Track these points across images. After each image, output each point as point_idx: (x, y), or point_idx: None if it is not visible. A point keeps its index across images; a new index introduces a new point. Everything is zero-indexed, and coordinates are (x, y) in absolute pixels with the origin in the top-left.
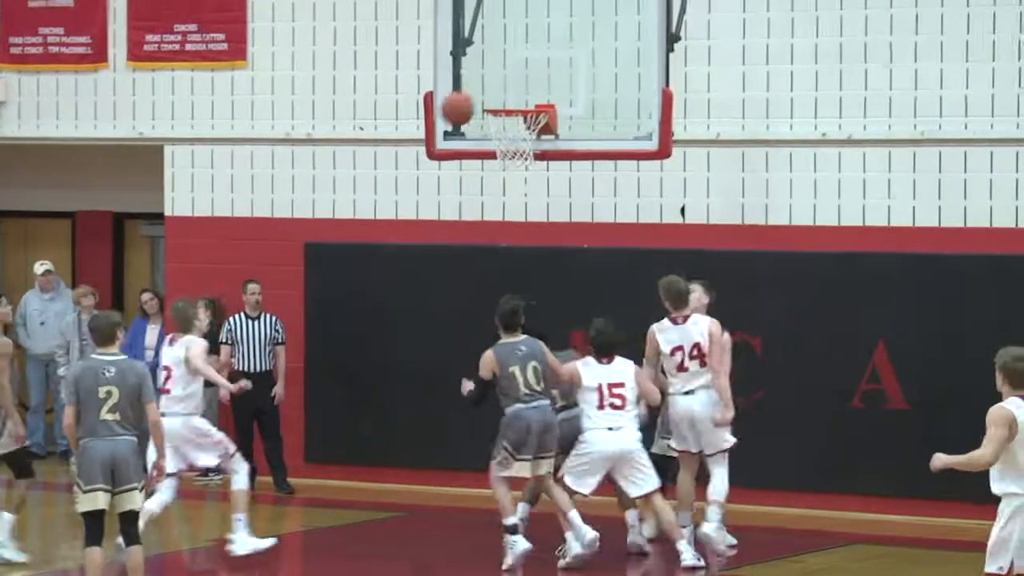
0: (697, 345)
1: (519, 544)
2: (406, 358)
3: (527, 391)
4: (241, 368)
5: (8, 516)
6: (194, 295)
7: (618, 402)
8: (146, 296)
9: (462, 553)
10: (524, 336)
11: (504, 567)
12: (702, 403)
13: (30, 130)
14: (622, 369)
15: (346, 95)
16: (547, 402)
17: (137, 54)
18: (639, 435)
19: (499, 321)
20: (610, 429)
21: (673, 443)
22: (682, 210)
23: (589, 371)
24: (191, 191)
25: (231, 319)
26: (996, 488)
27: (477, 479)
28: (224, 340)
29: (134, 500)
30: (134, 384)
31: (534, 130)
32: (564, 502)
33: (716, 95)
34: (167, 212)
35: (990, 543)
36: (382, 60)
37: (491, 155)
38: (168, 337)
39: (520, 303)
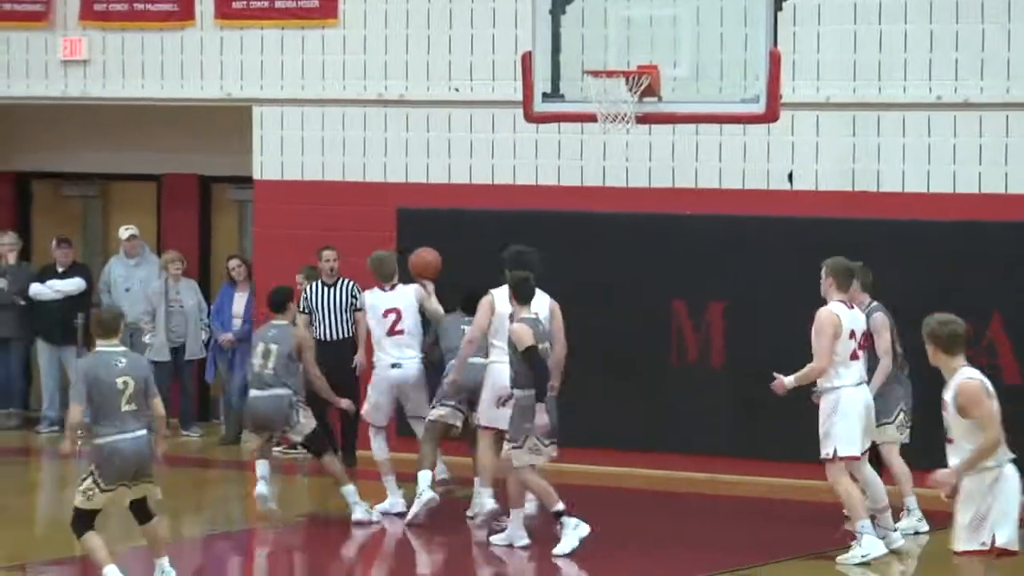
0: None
1: (581, 526)
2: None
3: None
4: (320, 336)
5: None
6: (283, 262)
7: None
8: (233, 262)
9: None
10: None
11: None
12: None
13: (115, 90)
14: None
15: (441, 55)
16: None
17: (225, 12)
18: None
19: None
20: None
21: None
22: (790, 176)
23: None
24: (280, 154)
25: (308, 287)
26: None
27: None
28: (302, 308)
29: (150, 491)
30: (144, 375)
31: (636, 92)
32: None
33: (826, 56)
34: (255, 176)
35: (966, 520)
36: (478, 18)
37: (591, 118)
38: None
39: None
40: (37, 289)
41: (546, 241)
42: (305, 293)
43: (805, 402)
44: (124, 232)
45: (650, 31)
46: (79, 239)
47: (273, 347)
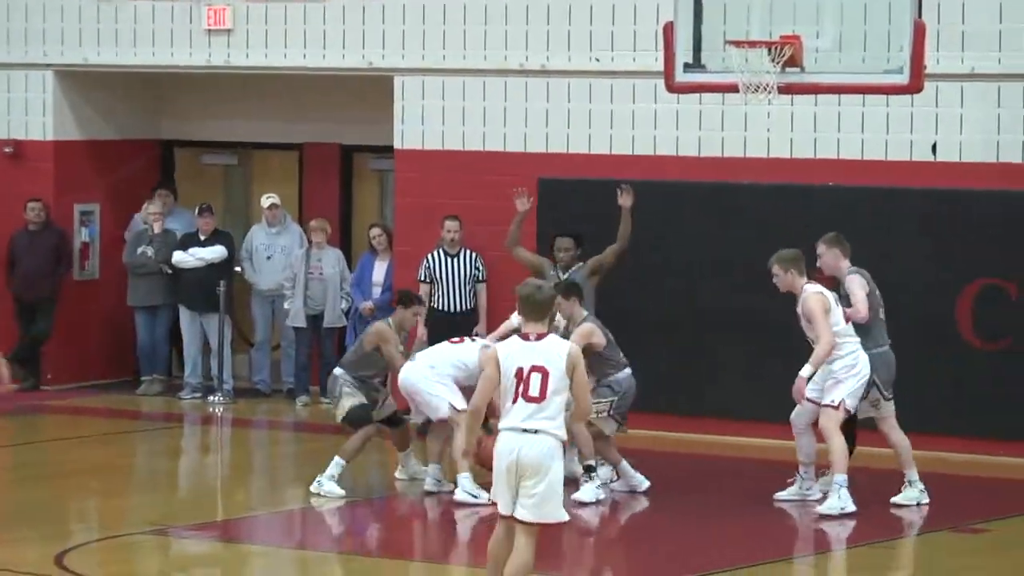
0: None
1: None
2: (642, 298)
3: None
4: (440, 307)
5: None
6: (423, 230)
7: None
8: (375, 231)
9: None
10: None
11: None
12: None
13: (258, 59)
14: None
15: (582, 25)
16: None
17: None
18: None
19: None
20: None
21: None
22: (933, 147)
23: None
24: (421, 124)
25: (429, 256)
26: None
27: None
28: (422, 278)
29: None
30: None
31: (778, 62)
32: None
33: (971, 27)
34: (396, 145)
35: None
36: None
37: (733, 88)
38: None
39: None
40: (180, 257)
41: (686, 212)
42: (427, 263)
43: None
44: (266, 200)
45: (793, 1)
46: (221, 207)
47: None
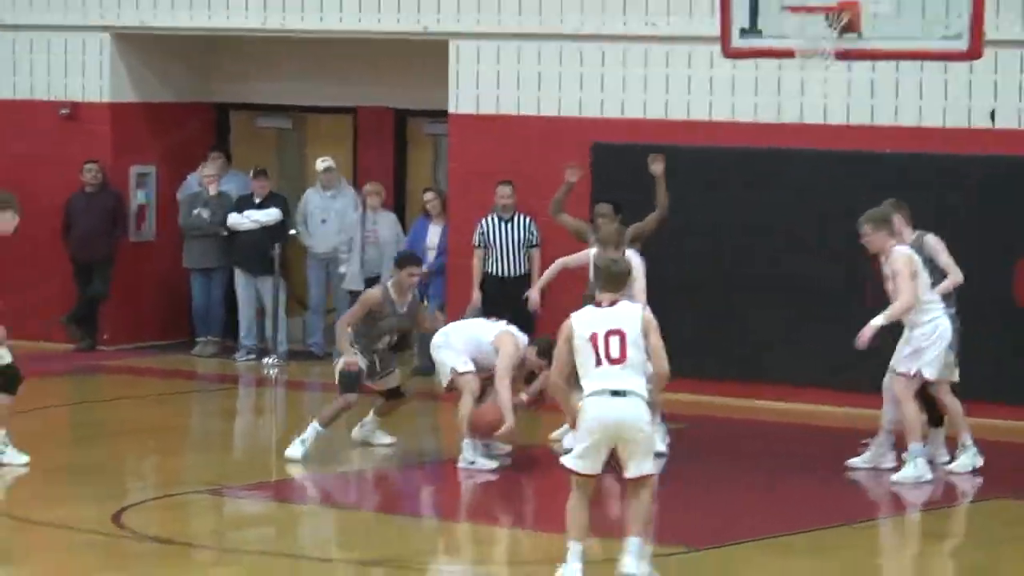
0: None
1: None
2: (692, 264)
3: None
4: (494, 272)
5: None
6: (477, 195)
7: None
8: (429, 195)
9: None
10: None
11: None
12: None
13: (313, 23)
14: None
15: None
16: None
17: None
18: None
19: None
20: None
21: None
22: (992, 114)
23: None
24: (476, 88)
25: (483, 221)
26: None
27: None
28: (476, 244)
29: None
30: None
31: (836, 28)
32: None
33: None
34: (451, 110)
35: None
36: None
37: (789, 54)
38: None
39: None
40: (235, 219)
41: (741, 178)
42: (481, 228)
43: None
44: (320, 164)
45: None
46: (275, 170)
47: None
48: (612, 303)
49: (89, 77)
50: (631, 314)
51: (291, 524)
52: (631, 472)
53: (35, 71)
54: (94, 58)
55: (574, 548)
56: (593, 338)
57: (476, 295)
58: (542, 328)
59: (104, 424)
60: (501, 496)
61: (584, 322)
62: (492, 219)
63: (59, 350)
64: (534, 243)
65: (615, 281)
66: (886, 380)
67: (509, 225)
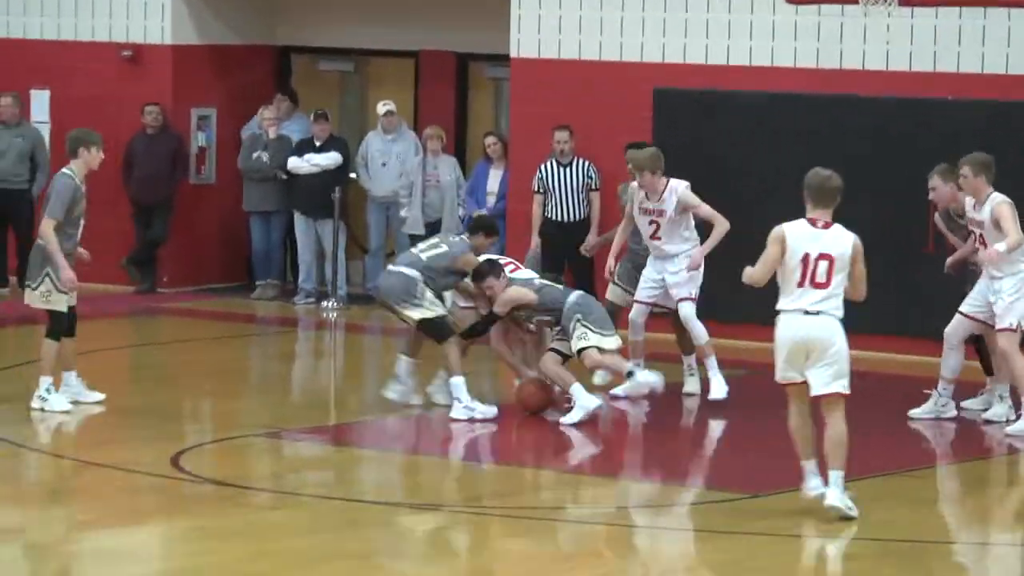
0: None
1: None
2: (752, 212)
3: None
4: (553, 217)
5: None
6: (538, 139)
7: None
8: (490, 140)
9: None
10: None
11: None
12: None
13: None
14: None
15: None
16: None
17: None
18: None
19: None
20: None
21: None
22: None
23: None
24: (538, 32)
25: (542, 167)
26: None
27: None
28: (536, 189)
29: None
30: None
31: None
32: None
33: None
34: (512, 54)
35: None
36: None
37: (853, 0)
38: None
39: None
40: (295, 163)
41: (802, 124)
42: (540, 173)
43: None
44: (381, 107)
45: None
46: (336, 113)
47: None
48: (826, 225)
49: (151, 19)
50: (844, 240)
51: (350, 468)
52: (816, 390)
53: (97, 13)
54: (156, 0)
55: (808, 467)
56: (805, 259)
57: (535, 240)
58: (600, 277)
59: (163, 367)
60: (561, 442)
61: (799, 238)
62: (551, 164)
63: (119, 292)
64: (594, 187)
65: (829, 197)
66: (949, 328)
67: (568, 170)
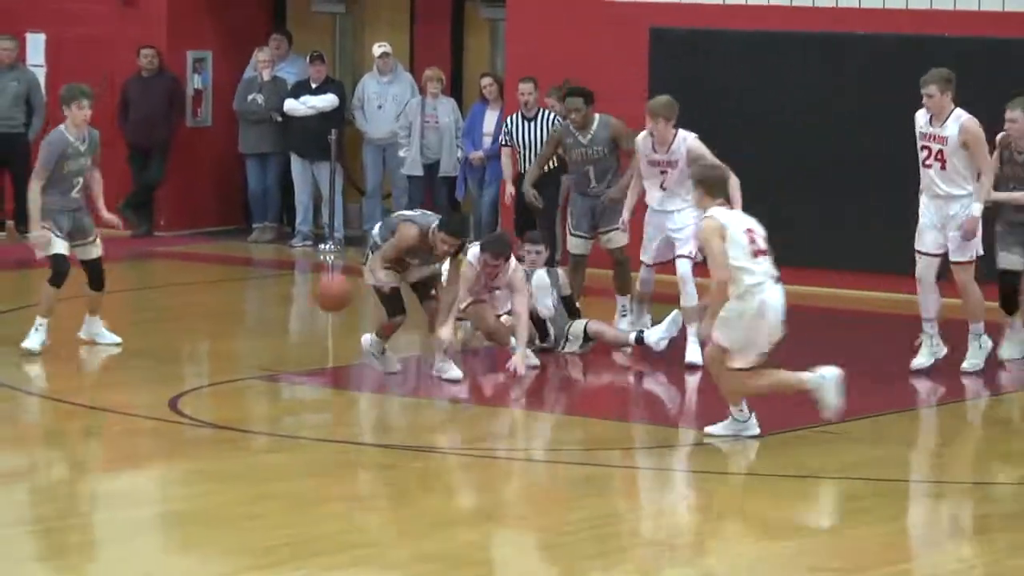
0: None
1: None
2: (752, 150)
3: None
4: (523, 170)
5: None
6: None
7: None
8: (486, 81)
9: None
10: None
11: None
12: None
13: None
14: None
15: None
16: None
17: None
18: None
19: None
20: None
21: None
22: None
23: None
24: None
25: (508, 120)
26: None
27: None
28: (503, 142)
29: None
30: None
31: None
32: None
33: None
34: None
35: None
36: None
37: None
38: None
39: None
40: (291, 105)
41: (800, 64)
42: (506, 126)
43: None
44: (377, 49)
45: None
46: (332, 56)
47: None
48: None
49: None
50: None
51: (348, 410)
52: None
53: None
54: None
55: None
56: (749, 232)
57: (510, 189)
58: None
59: (160, 310)
60: (558, 384)
61: (731, 218)
62: (516, 118)
63: (115, 236)
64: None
65: (719, 188)
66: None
67: (532, 124)
